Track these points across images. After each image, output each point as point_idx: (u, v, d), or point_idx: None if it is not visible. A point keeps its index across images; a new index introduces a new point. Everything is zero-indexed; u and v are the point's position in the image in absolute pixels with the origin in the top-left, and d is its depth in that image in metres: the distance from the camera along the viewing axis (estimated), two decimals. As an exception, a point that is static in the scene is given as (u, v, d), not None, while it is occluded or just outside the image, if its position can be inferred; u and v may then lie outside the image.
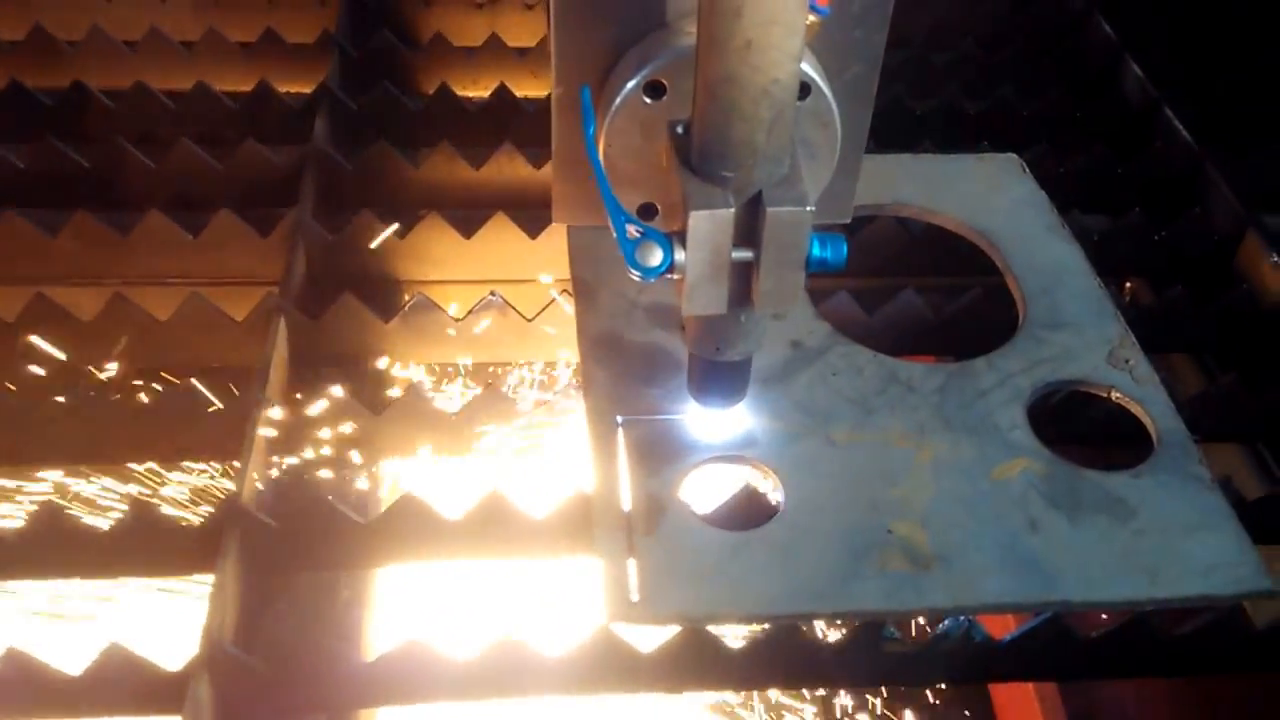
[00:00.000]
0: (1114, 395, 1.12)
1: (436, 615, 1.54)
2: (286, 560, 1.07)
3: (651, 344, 1.12)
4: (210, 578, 0.99)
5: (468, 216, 1.36)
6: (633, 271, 0.84)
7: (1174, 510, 1.02)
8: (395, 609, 1.28)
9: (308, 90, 1.56)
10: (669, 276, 0.85)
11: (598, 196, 0.91)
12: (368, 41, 1.65)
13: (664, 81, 0.91)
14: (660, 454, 1.03)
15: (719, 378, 0.96)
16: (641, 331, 1.13)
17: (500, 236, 1.36)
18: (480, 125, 1.54)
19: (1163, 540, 1.00)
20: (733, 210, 0.82)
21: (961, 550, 0.98)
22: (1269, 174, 1.53)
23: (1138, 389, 1.12)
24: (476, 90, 1.64)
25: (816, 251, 0.86)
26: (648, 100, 0.91)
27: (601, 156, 0.94)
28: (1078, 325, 1.18)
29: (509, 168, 1.46)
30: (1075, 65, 1.72)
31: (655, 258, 0.84)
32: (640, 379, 1.09)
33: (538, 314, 1.27)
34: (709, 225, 0.82)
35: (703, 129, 0.81)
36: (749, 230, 0.83)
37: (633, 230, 0.86)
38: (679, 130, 0.86)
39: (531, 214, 1.37)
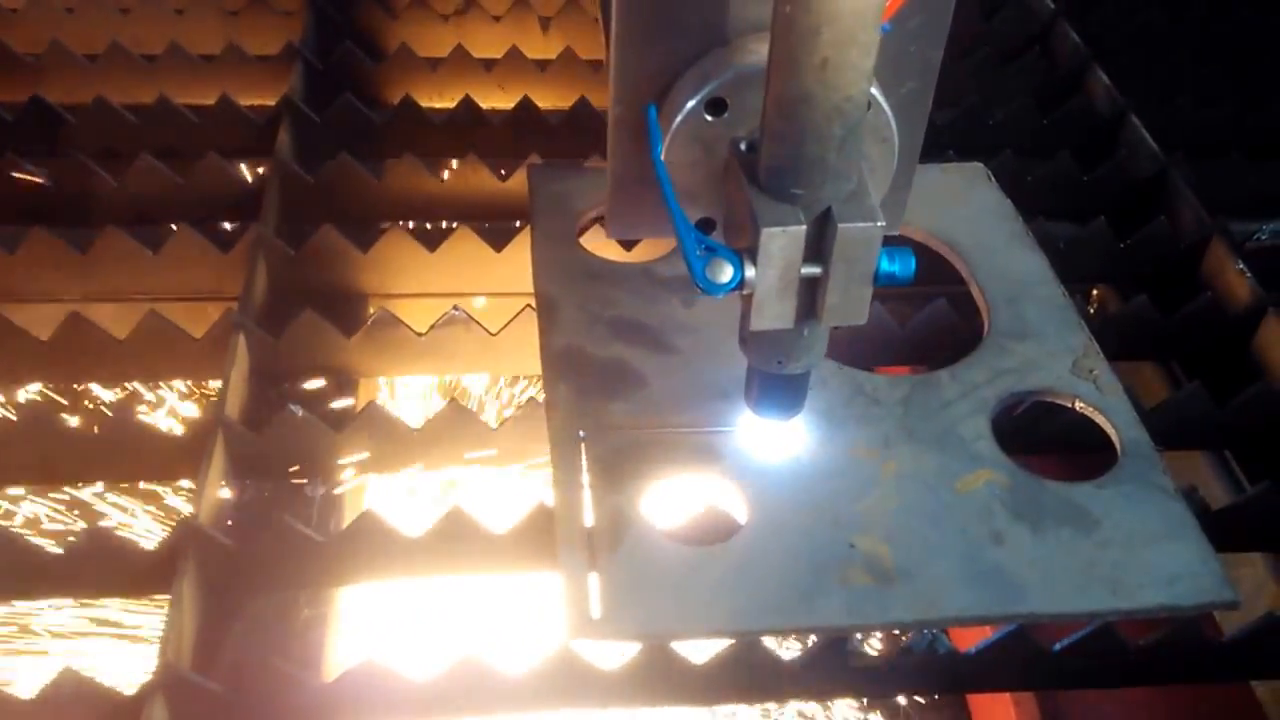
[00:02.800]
0: (1078, 405, 1.12)
1: (398, 634, 1.53)
2: (245, 581, 1.06)
3: (615, 358, 1.11)
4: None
5: (432, 229, 1.35)
6: (700, 288, 0.84)
7: (1137, 521, 1.02)
8: (357, 628, 1.27)
9: (271, 102, 1.55)
10: (739, 293, 0.85)
11: (653, 210, 0.91)
12: (332, 53, 1.64)
13: (725, 98, 0.90)
14: (623, 469, 1.02)
15: (780, 390, 0.97)
16: (605, 346, 1.12)
17: (464, 249, 1.35)
18: (445, 137, 1.54)
19: (1126, 551, 1.00)
20: (804, 228, 0.82)
21: (924, 564, 0.97)
22: (1234, 182, 1.54)
23: (1101, 399, 1.12)
24: (442, 102, 1.63)
25: (885, 265, 0.86)
26: (709, 118, 0.91)
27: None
28: (1042, 335, 1.17)
29: (474, 180, 1.45)
30: (1042, 73, 1.72)
31: (725, 274, 0.83)
32: (604, 393, 1.08)
33: (502, 328, 1.26)
34: (781, 242, 0.82)
35: (772, 147, 0.82)
36: (818, 246, 0.83)
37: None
38: (742, 147, 0.86)
39: (496, 226, 1.36)
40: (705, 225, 0.96)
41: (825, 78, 0.76)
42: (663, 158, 0.91)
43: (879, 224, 0.82)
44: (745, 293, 0.85)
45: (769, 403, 0.98)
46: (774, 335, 0.90)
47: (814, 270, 0.84)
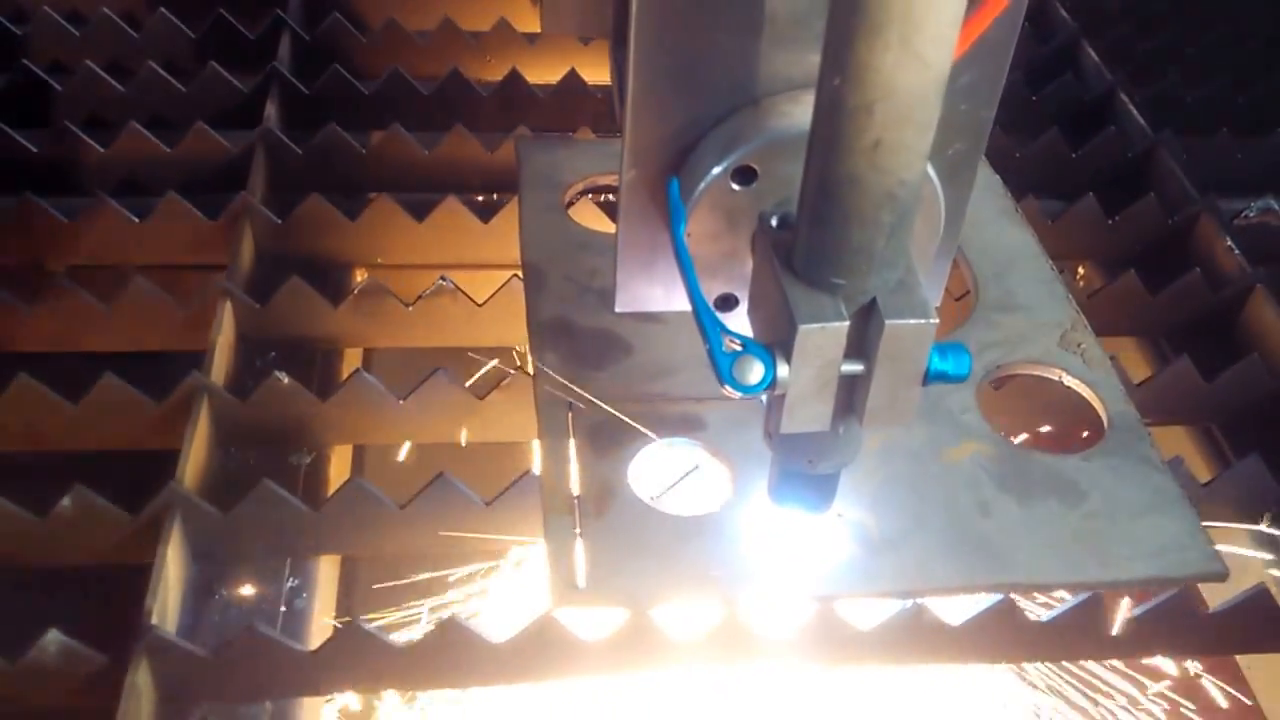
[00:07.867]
0: (1065, 378, 1.12)
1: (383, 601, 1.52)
2: (229, 546, 1.06)
3: (602, 328, 1.11)
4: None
5: (419, 200, 1.35)
6: (727, 388, 0.75)
7: (1124, 493, 1.02)
8: (341, 595, 1.26)
9: (258, 74, 1.54)
10: (772, 393, 0.76)
11: (667, 284, 0.84)
12: (319, 24, 1.63)
13: (755, 166, 0.82)
14: (611, 438, 1.02)
15: (808, 486, 0.88)
16: (592, 316, 1.12)
17: (452, 220, 1.34)
18: (433, 108, 1.53)
19: (1113, 523, 0.99)
20: (846, 323, 0.72)
21: (911, 534, 0.97)
22: (1223, 159, 1.54)
23: (1089, 372, 1.12)
24: (430, 74, 1.62)
25: (936, 364, 0.76)
26: (736, 187, 0.82)
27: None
28: (1030, 309, 1.17)
29: (461, 151, 1.44)
30: (1031, 49, 1.72)
31: (756, 375, 0.73)
32: (591, 362, 1.08)
33: (488, 299, 1.25)
34: (819, 340, 0.72)
35: (812, 232, 0.72)
36: (861, 342, 0.74)
37: (731, 342, 0.76)
38: (773, 223, 0.78)
39: (484, 198, 1.36)
40: (725, 302, 0.89)
41: (877, 160, 0.66)
42: (684, 234, 0.83)
43: (932, 321, 0.72)
44: (778, 393, 0.76)
45: (794, 497, 0.89)
46: (807, 435, 0.81)
47: (855, 368, 0.74)
